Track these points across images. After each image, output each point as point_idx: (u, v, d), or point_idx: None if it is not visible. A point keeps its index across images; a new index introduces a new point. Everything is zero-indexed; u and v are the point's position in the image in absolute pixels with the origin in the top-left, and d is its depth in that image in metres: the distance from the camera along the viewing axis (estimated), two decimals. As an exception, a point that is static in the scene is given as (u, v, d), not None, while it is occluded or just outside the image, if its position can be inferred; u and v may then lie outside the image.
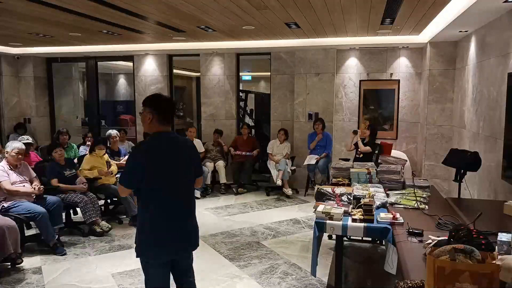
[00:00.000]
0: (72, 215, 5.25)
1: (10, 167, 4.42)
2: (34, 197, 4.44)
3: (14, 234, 3.86)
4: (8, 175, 4.34)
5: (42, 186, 4.54)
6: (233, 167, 7.22)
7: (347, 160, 5.72)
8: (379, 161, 4.97)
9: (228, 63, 7.91)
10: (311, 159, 6.77)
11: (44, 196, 4.55)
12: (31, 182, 4.59)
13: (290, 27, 5.75)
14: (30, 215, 4.24)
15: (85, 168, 5.38)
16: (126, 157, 6.19)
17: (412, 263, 2.19)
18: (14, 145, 4.45)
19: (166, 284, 2.51)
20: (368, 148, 5.52)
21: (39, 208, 4.30)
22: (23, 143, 5.18)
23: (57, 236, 4.45)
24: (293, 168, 7.07)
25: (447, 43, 6.21)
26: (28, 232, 4.62)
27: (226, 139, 7.69)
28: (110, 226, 5.02)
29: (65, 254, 4.35)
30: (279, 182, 6.75)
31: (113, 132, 6.18)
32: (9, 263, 3.97)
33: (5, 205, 4.23)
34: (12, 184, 4.35)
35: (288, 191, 6.81)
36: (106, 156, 5.64)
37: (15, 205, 4.25)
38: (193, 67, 10.50)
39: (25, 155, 5.30)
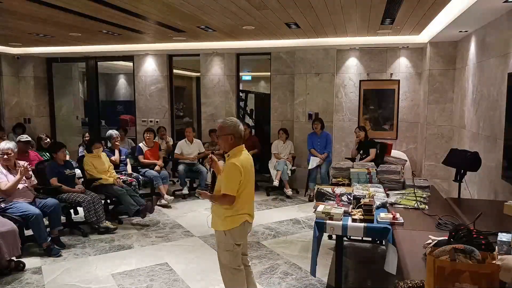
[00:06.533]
0: (72, 215, 5.25)
1: (7, 168, 4.37)
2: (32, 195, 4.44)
3: (11, 239, 3.75)
4: (5, 176, 4.30)
5: (33, 179, 4.50)
6: None
7: (353, 160, 5.84)
8: (384, 159, 5.04)
9: (228, 63, 7.91)
10: (313, 161, 6.66)
11: (41, 197, 4.54)
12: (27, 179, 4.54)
13: (290, 27, 5.75)
14: (24, 216, 4.18)
15: (90, 168, 5.37)
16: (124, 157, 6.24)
17: (412, 263, 2.19)
18: (0, 147, 4.34)
19: None
20: (374, 150, 5.77)
21: (33, 209, 4.25)
22: (22, 141, 5.13)
23: (50, 238, 4.38)
24: (293, 168, 7.06)
25: (447, 43, 6.21)
26: (28, 232, 4.60)
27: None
28: (115, 226, 5.09)
29: (60, 255, 4.30)
30: (275, 183, 6.73)
31: (114, 132, 6.19)
32: (9, 269, 3.87)
33: (2, 205, 4.22)
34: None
35: (288, 191, 6.81)
36: (104, 154, 5.66)
37: (11, 206, 4.23)
38: (193, 67, 10.51)
39: (24, 154, 5.31)
